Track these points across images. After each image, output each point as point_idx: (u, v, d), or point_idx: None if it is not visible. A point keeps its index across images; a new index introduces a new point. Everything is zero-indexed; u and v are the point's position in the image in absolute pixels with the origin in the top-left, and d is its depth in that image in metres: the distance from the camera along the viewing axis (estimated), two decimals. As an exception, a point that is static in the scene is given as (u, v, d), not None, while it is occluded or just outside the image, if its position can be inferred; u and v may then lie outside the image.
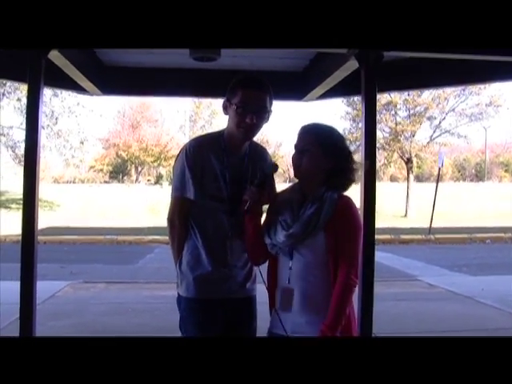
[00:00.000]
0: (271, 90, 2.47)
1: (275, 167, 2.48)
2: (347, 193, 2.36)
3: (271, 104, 2.47)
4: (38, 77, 3.42)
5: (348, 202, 2.27)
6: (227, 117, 2.52)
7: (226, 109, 2.50)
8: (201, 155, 2.46)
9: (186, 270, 2.50)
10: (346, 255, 2.19)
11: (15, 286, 4.54)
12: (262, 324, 2.48)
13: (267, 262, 2.40)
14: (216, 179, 2.46)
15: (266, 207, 2.47)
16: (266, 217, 2.40)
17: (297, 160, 2.29)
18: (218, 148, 2.49)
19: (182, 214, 2.50)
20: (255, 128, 2.45)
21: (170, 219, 2.54)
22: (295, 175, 2.34)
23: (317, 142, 2.25)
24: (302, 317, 2.23)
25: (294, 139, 2.34)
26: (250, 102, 2.40)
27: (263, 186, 2.37)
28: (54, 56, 3.60)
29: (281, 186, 2.57)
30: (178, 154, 2.54)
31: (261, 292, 2.54)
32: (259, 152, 2.62)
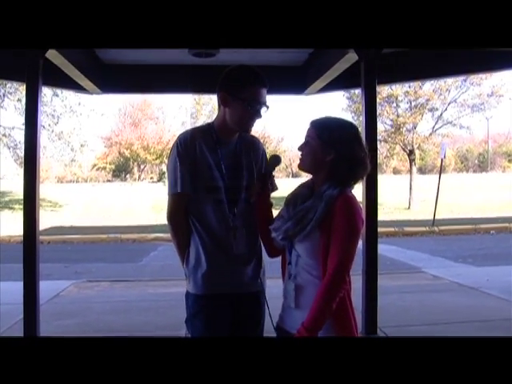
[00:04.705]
0: None
1: (277, 159, 2.50)
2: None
3: None
4: (36, 76, 3.42)
5: (347, 200, 2.13)
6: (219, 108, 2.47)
7: (226, 102, 2.42)
8: (193, 147, 2.41)
9: (194, 266, 2.45)
10: (335, 252, 2.07)
11: (19, 285, 4.55)
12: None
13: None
14: (210, 169, 2.41)
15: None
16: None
17: (301, 153, 2.25)
18: (210, 140, 2.45)
19: (181, 212, 2.45)
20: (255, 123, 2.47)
21: (170, 219, 2.47)
22: (298, 168, 2.31)
23: (315, 133, 2.20)
24: (298, 314, 2.16)
25: (296, 134, 2.33)
26: (261, 100, 2.40)
27: (265, 178, 2.43)
28: (52, 55, 3.60)
29: (283, 180, 2.55)
30: (170, 151, 2.50)
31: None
32: (250, 139, 2.59)
